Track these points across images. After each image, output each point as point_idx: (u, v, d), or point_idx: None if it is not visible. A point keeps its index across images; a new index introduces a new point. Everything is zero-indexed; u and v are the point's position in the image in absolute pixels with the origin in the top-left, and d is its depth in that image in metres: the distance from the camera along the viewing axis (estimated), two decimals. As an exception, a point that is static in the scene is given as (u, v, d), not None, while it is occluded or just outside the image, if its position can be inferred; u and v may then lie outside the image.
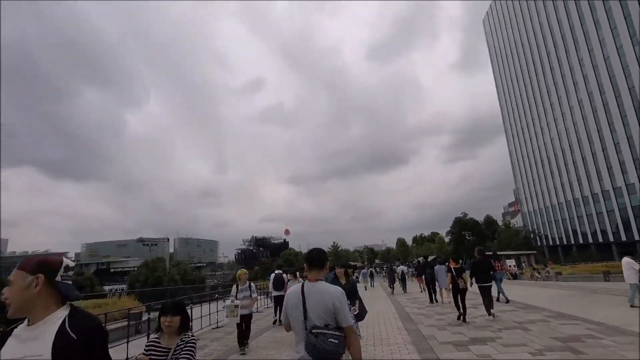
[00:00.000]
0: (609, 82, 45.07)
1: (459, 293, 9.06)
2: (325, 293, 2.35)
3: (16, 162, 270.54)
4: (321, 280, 2.49)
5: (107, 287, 43.47)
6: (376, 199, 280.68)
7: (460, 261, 10.34)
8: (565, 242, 57.93)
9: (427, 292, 14.74)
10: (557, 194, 59.38)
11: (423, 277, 16.03)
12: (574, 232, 55.60)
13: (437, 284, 13.63)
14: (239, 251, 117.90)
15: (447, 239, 79.08)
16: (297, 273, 12.35)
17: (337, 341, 2.20)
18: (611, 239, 47.77)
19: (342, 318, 2.30)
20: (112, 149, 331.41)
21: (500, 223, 72.38)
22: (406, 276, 22.01)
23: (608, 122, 45.98)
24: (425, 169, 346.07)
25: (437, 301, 13.77)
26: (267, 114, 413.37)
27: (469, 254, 55.77)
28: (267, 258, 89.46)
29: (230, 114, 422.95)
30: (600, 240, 49.86)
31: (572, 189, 55.24)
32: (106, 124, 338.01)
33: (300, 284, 2.52)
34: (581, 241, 53.80)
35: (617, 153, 45.01)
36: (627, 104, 42.37)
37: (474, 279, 9.21)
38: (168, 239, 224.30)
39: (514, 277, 28.05)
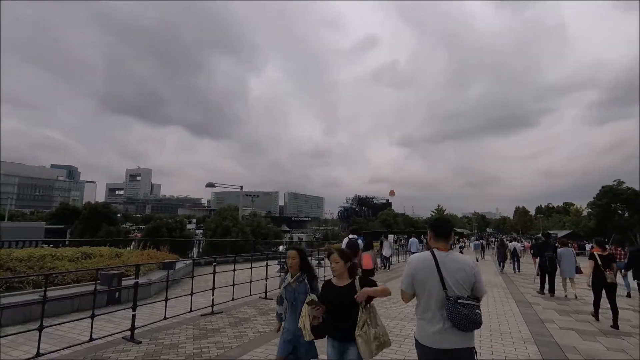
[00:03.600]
0: None
1: (604, 289, 7.01)
2: (464, 263, 2.31)
3: (168, 122, 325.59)
4: (451, 250, 2.39)
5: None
6: (494, 165, 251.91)
7: (608, 247, 8.14)
8: None
9: (539, 278, 10.99)
10: None
11: (538, 259, 12.40)
12: None
13: (558, 271, 10.24)
14: (342, 209, 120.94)
15: (585, 212, 64.68)
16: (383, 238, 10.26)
17: (480, 312, 2.19)
18: None
19: (481, 288, 2.30)
20: (239, 111, 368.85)
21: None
22: (519, 254, 18.49)
23: None
24: (561, 132, 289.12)
25: (550, 293, 10.31)
26: (379, 73, 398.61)
27: (621, 232, 44.11)
28: (367, 217, 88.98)
29: (342, 76, 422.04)
30: None
31: None
32: (233, 90, 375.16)
33: (429, 251, 2.38)
34: None
35: None
36: None
37: (628, 273, 7.59)
38: (277, 193, 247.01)
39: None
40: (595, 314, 7.34)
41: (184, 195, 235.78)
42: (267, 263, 8.71)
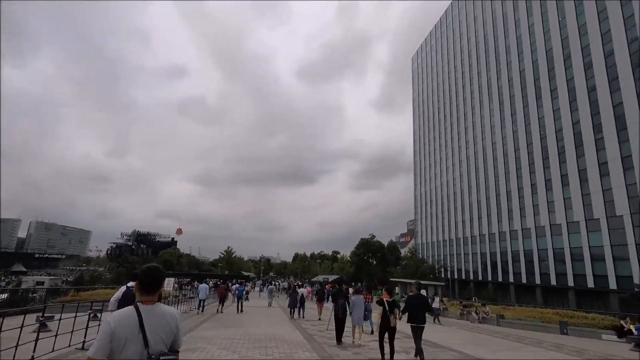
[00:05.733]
0: (516, 135, 49.60)
1: (387, 332, 7.73)
2: (168, 314, 2.24)
3: None
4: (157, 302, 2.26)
5: None
6: (282, 213, 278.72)
7: (394, 294, 9.04)
8: (480, 278, 53.86)
9: (334, 326, 10.62)
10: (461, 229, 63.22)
11: (323, 303, 14.78)
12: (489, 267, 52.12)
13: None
14: (114, 245, 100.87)
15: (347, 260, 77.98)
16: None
17: None
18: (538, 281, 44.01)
19: (180, 339, 2.28)
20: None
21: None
22: (305, 300, 19.55)
23: (505, 171, 50.49)
24: (334, 191, 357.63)
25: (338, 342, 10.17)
26: (186, 105, 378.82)
27: (369, 278, 54.41)
28: (144, 256, 76.17)
29: (143, 97, 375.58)
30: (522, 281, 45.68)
31: (475, 225, 57.70)
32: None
33: (130, 307, 2.17)
34: (500, 279, 49.29)
35: (518, 198, 48.66)
36: (524, 155, 46.91)
37: (402, 317, 8.21)
38: (19, 220, 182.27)
39: (436, 314, 20.48)
40: (382, 354, 7.68)
41: None
42: None
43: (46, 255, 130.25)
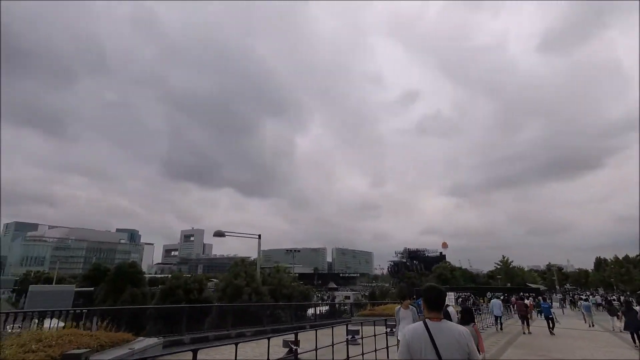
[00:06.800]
0: None
1: None
2: (456, 332, 2.34)
3: (221, 184, 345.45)
4: (444, 319, 2.43)
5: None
6: (559, 211, 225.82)
7: None
8: None
9: None
10: None
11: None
12: None
13: None
14: (392, 263, 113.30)
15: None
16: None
17: None
18: None
19: (475, 356, 2.33)
20: (286, 169, 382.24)
21: None
22: None
23: None
24: (630, 173, 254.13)
25: None
26: (423, 124, 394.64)
27: None
28: (419, 271, 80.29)
29: (386, 128, 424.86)
30: None
31: None
32: (281, 149, 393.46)
33: (419, 323, 2.43)
34: None
35: None
36: None
37: None
38: (325, 249, 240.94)
39: None
40: None
41: (233, 254, 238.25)
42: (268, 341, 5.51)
43: (347, 274, 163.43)
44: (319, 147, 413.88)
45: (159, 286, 32.77)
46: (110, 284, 29.63)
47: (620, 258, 72.48)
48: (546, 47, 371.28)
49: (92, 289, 31.52)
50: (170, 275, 26.56)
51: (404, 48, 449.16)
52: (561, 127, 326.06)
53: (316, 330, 9.75)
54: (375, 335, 8.81)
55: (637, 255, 75.64)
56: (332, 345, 7.55)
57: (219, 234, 16.77)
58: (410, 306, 7.73)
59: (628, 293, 56.96)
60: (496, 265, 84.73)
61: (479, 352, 6.30)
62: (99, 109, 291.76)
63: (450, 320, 6.29)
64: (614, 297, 45.58)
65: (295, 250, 73.25)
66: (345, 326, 11.93)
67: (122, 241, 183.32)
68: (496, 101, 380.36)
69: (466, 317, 6.36)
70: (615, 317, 17.51)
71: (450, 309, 6.48)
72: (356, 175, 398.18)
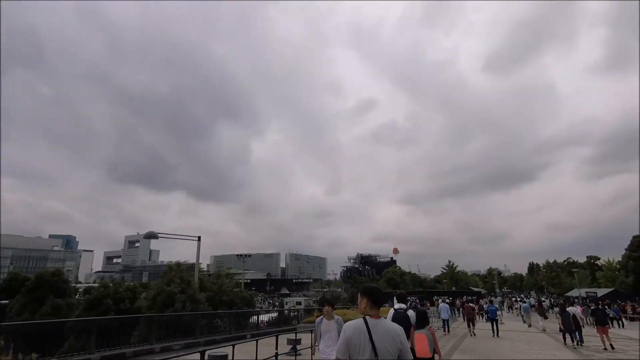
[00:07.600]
0: None
1: None
2: (392, 330, 2.44)
3: (172, 188, 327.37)
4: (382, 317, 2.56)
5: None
6: (498, 220, 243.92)
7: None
8: None
9: None
10: None
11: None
12: None
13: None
14: (344, 268, 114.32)
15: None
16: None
17: None
18: None
19: (408, 354, 2.42)
20: (241, 175, 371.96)
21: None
22: (580, 321, 14.60)
23: None
24: (560, 186, 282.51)
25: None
26: (379, 132, 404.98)
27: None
28: (371, 277, 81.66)
29: (344, 137, 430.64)
30: None
31: None
32: (236, 154, 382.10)
33: (360, 320, 2.49)
34: None
35: None
36: None
37: None
38: (279, 254, 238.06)
39: None
40: None
41: (183, 260, 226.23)
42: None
43: (300, 279, 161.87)
44: (275, 153, 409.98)
45: (85, 296, 29.34)
46: (28, 295, 25.96)
47: (551, 263, 79.43)
48: (490, 68, 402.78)
49: (7, 302, 27.42)
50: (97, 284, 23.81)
51: (362, 59, 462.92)
52: (502, 142, 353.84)
53: (257, 341, 8.79)
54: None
55: (564, 261, 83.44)
56: (276, 355, 6.69)
57: (151, 235, 15.09)
58: (335, 316, 5.76)
59: (555, 295, 62.21)
60: (442, 270, 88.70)
61: (435, 354, 5.74)
62: (34, 104, 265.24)
63: (410, 323, 5.86)
64: (544, 299, 49.52)
65: (246, 256, 70.50)
66: (293, 334, 11.09)
67: (56, 248, 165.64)
68: (447, 114, 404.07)
69: (421, 321, 5.92)
70: (543, 317, 18.86)
71: (411, 312, 5.92)
72: (313, 181, 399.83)
